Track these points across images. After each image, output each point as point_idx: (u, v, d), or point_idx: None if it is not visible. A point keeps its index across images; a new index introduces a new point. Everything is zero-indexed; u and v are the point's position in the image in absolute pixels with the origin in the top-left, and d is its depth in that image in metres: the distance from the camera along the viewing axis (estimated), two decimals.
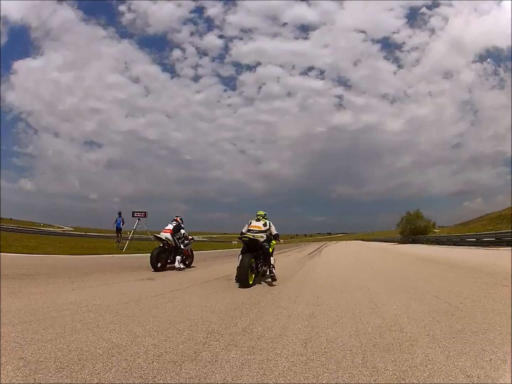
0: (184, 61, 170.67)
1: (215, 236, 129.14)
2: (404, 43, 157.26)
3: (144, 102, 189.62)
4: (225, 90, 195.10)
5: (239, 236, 6.50)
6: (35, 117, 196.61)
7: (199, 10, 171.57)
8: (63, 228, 79.64)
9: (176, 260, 7.90)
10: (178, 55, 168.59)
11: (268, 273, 6.34)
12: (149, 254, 7.86)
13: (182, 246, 8.23)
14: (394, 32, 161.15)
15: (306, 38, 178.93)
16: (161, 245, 7.96)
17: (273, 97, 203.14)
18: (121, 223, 16.90)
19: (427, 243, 29.75)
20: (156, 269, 7.51)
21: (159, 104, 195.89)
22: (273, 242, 6.68)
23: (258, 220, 6.56)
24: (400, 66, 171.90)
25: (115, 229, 16.85)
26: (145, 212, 15.97)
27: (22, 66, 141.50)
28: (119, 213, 17.11)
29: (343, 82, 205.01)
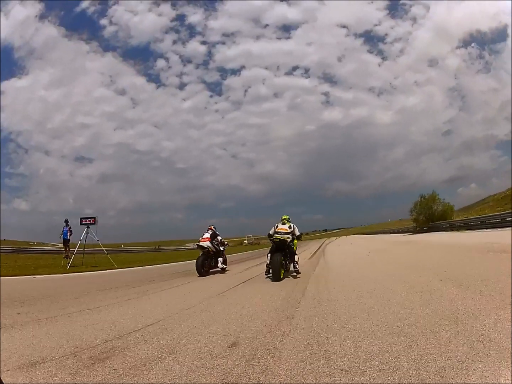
0: (169, 70, 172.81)
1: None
2: (386, 34, 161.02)
3: (132, 114, 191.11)
4: (211, 96, 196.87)
5: (268, 237, 7.75)
6: (24, 137, 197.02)
7: (180, 18, 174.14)
8: (57, 245, 79.13)
9: (219, 262, 9.37)
10: (162, 65, 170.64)
11: (292, 268, 7.57)
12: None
13: (222, 248, 9.70)
14: (376, 25, 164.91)
15: (288, 38, 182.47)
16: (202, 252, 9.31)
17: (260, 99, 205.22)
18: (68, 234, 14.42)
19: (451, 230, 25.47)
20: (201, 274, 8.82)
21: (147, 115, 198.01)
22: (295, 241, 7.89)
23: (283, 223, 7.83)
24: (384, 58, 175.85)
25: (61, 240, 14.48)
26: (94, 218, 13.55)
27: (8, 86, 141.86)
28: (66, 221, 14.63)
29: (329, 79, 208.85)
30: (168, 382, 2.16)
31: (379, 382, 1.93)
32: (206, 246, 9.19)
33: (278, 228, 7.79)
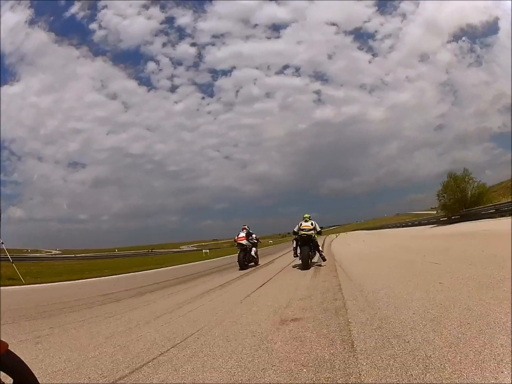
0: (160, 72, 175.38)
1: (204, 243, 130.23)
2: (376, 31, 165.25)
3: (124, 118, 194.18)
4: (203, 98, 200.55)
5: (293, 234, 9.30)
6: (18, 144, 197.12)
7: (170, 20, 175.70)
8: (51, 252, 79.53)
9: (253, 250, 11.27)
10: (153, 68, 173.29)
11: (319, 256, 9.19)
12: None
13: (256, 241, 11.64)
14: (366, 21, 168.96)
15: (278, 37, 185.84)
16: (240, 249, 11.09)
17: (252, 100, 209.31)
18: None
19: (497, 216, 19.99)
20: (243, 268, 10.59)
21: (139, 118, 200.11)
22: (316, 236, 9.46)
23: (306, 221, 9.36)
24: (374, 55, 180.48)
25: None
26: None
27: (1, 93, 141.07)
28: None
29: (320, 77, 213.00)
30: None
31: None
32: (245, 244, 11.01)
33: (302, 226, 9.32)
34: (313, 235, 9.14)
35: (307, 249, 8.81)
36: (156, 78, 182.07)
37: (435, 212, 55.20)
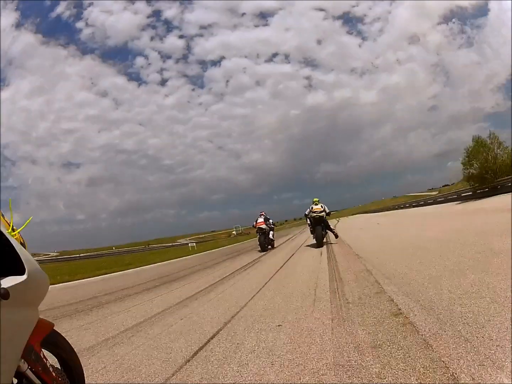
0: (149, 67, 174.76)
1: (202, 235, 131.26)
2: (365, 15, 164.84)
3: (115, 115, 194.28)
4: (193, 90, 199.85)
5: (305, 216, 10.43)
6: (11, 149, 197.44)
7: (156, 13, 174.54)
8: (49, 254, 79.99)
9: (271, 233, 12.60)
10: (141, 62, 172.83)
11: (331, 234, 10.36)
12: None
13: (272, 225, 13.07)
14: (354, 6, 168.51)
15: (266, 25, 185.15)
16: (260, 233, 12.40)
17: (243, 89, 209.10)
18: None
19: None
20: (265, 250, 12.00)
21: (131, 114, 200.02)
22: (326, 216, 10.61)
23: (316, 204, 10.45)
24: (364, 38, 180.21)
25: None
26: None
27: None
28: None
29: (310, 62, 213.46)
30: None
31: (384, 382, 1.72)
32: (264, 228, 12.38)
33: (313, 209, 10.43)
34: (324, 216, 10.27)
35: (320, 228, 9.94)
36: (146, 73, 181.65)
37: (435, 193, 53.74)
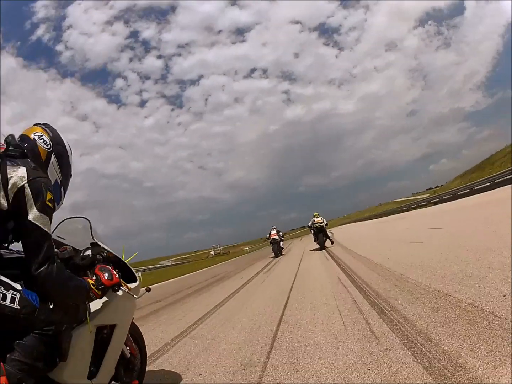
0: (128, 88, 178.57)
1: (185, 256, 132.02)
2: (340, 25, 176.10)
3: (96, 139, 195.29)
4: (172, 110, 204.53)
5: (308, 227, 13.99)
6: None
7: (134, 34, 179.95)
8: None
9: (281, 243, 15.92)
10: (121, 84, 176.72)
11: (328, 240, 13.89)
12: None
13: (282, 237, 16.47)
14: (329, 17, 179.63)
15: (243, 41, 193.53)
16: (273, 243, 15.98)
17: (221, 107, 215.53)
18: None
19: None
20: (277, 255, 15.39)
21: (111, 137, 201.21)
22: (325, 226, 14.21)
23: (317, 217, 13.99)
24: (341, 49, 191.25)
25: None
26: None
27: None
28: None
29: (288, 76, 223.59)
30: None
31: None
32: (277, 238, 16.37)
33: (315, 221, 13.95)
34: (323, 226, 13.86)
35: (322, 236, 13.44)
36: (125, 95, 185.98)
37: (423, 196, 53.04)
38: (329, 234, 14.36)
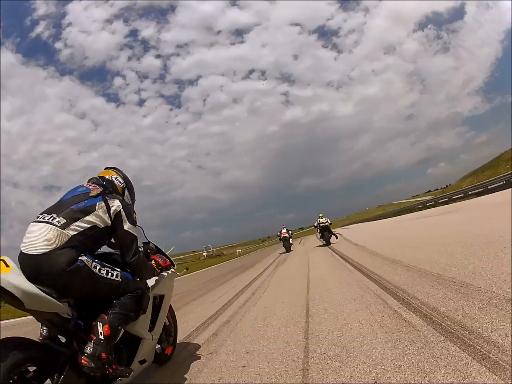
0: (127, 87, 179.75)
1: (182, 256, 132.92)
2: (339, 28, 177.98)
3: (94, 136, 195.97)
4: (171, 109, 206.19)
5: (315, 227, 16.42)
6: None
7: (133, 33, 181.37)
8: None
9: (290, 240, 18.64)
10: (119, 83, 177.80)
11: (333, 237, 16.24)
12: None
13: (291, 235, 18.83)
14: (329, 19, 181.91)
15: (242, 42, 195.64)
16: (284, 240, 18.22)
17: (220, 107, 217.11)
18: None
19: None
20: (288, 251, 17.52)
21: (109, 135, 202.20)
22: (330, 225, 16.65)
23: (321, 218, 16.37)
24: (339, 52, 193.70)
25: None
26: None
27: None
28: None
29: (287, 78, 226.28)
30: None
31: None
32: (288, 236, 19.01)
33: (320, 221, 16.28)
34: (328, 225, 16.33)
35: (327, 233, 15.79)
36: (124, 93, 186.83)
37: (424, 198, 51.76)
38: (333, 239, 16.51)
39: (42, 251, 1.99)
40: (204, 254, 76.59)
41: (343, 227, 42.19)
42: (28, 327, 4.81)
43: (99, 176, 2.65)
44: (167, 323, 3.00)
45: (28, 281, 1.83)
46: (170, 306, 3.07)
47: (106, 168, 2.82)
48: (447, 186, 76.51)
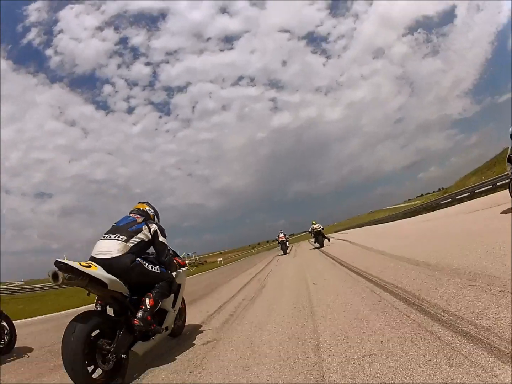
0: (116, 95, 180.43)
1: None
2: (329, 33, 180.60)
3: (84, 144, 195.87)
4: (160, 117, 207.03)
5: (309, 232, 19.18)
6: None
7: (123, 40, 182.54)
8: (14, 283, 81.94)
9: (287, 243, 21.46)
10: (109, 90, 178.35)
11: (326, 240, 18.96)
12: None
13: (288, 238, 21.81)
14: (318, 25, 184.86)
15: (231, 49, 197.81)
16: (281, 243, 21.08)
17: (209, 114, 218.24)
18: None
19: None
20: (286, 253, 20.39)
21: (99, 143, 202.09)
22: (323, 230, 19.38)
23: (315, 224, 19.07)
24: (328, 57, 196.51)
25: None
26: None
27: None
28: None
29: (275, 84, 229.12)
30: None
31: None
32: (285, 239, 22.46)
33: (314, 227, 18.89)
34: (321, 230, 19.03)
35: (320, 237, 18.44)
36: (113, 101, 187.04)
37: (416, 202, 55.87)
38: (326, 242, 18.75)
39: (114, 255, 3.09)
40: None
41: (340, 232, 41.24)
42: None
43: (137, 208, 3.81)
44: (181, 307, 4.11)
45: (108, 273, 2.90)
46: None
47: (140, 202, 3.99)
48: (439, 189, 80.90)
